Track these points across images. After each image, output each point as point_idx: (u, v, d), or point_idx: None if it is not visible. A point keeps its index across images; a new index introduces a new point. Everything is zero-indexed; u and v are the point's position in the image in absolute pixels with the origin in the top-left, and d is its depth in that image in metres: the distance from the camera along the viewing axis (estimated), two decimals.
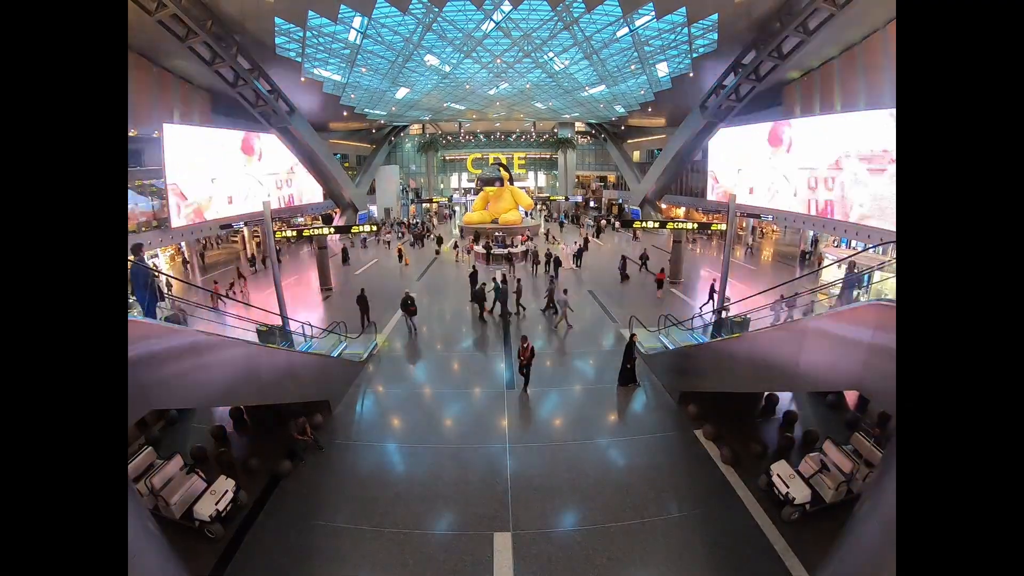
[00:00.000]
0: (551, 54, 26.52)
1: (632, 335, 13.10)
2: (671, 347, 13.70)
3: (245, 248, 33.12)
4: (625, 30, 22.79)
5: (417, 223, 46.52)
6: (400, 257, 28.23)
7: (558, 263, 24.33)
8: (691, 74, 26.82)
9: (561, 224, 37.57)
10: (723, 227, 18.23)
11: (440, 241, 33.76)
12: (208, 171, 26.14)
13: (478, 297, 18.61)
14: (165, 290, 9.45)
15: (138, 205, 24.03)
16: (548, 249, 27.69)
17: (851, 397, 11.96)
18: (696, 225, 23.31)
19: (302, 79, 25.78)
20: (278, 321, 12.87)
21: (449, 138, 57.64)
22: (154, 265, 25.55)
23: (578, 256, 27.41)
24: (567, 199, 53.81)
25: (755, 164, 29.92)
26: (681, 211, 43.05)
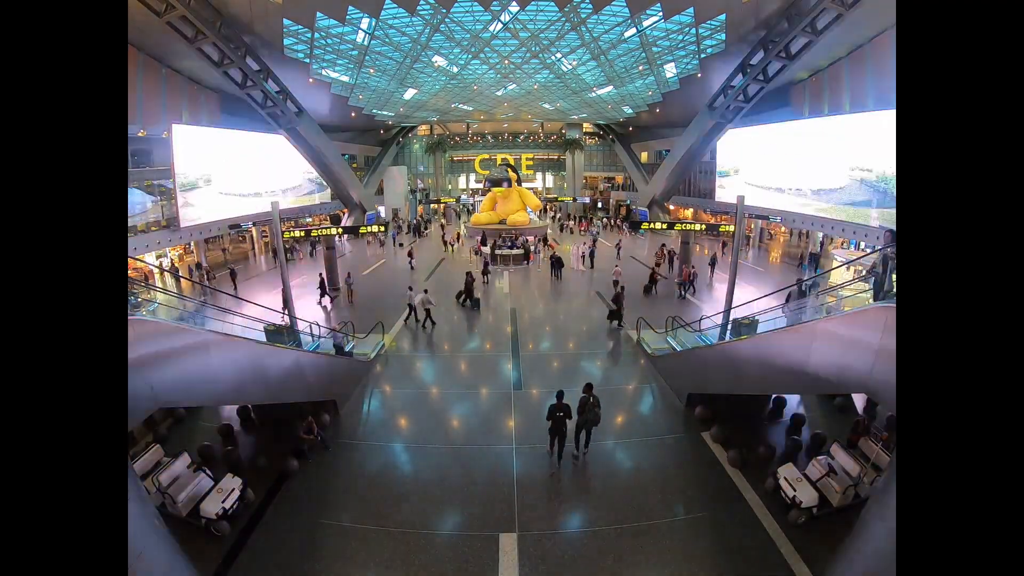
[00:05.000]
0: (559, 55, 26.50)
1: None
2: (679, 349, 13.65)
3: (254, 248, 33.36)
4: (633, 31, 22.74)
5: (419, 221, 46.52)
6: (411, 255, 28.41)
7: (560, 264, 24.43)
8: (699, 75, 26.72)
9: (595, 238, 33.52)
10: (731, 228, 18.17)
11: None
12: None
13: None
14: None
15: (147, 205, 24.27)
16: (553, 251, 27.76)
17: (859, 400, 11.86)
18: (704, 226, 23.20)
19: (310, 80, 25.92)
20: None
21: (457, 139, 57.79)
22: (160, 265, 25.82)
23: (589, 257, 27.30)
24: (575, 200, 53.76)
25: None
26: (689, 212, 42.88)
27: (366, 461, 9.94)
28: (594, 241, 29.57)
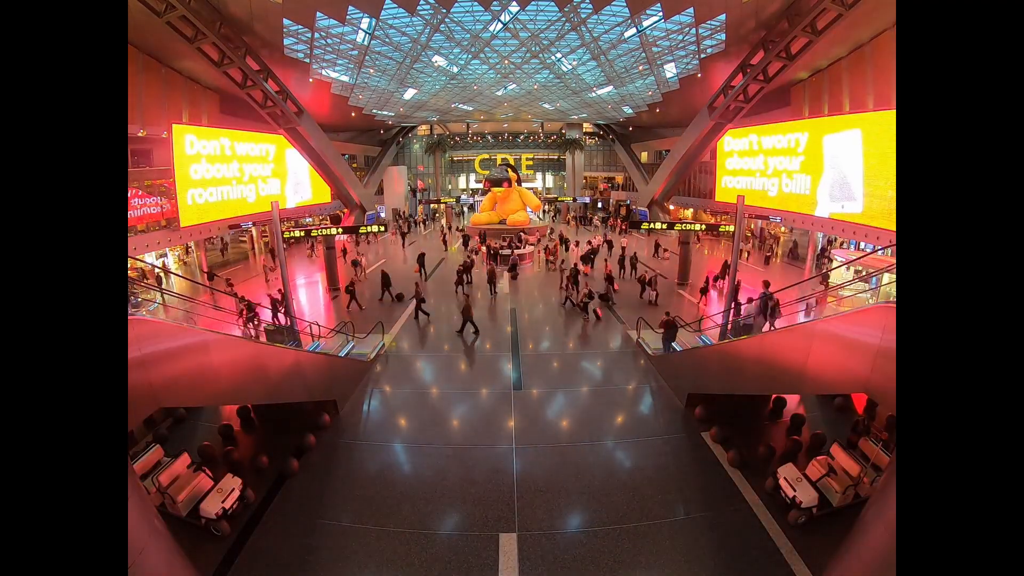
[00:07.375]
0: (559, 55, 26.49)
1: None
2: (678, 349, 13.65)
3: (254, 248, 33.34)
4: (633, 31, 22.72)
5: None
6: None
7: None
8: (699, 75, 26.68)
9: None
10: (731, 228, 18.17)
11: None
12: None
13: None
14: None
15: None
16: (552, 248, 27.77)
17: (859, 400, 11.86)
18: (704, 226, 23.20)
19: (310, 80, 25.91)
20: None
21: (457, 139, 57.75)
22: (163, 264, 25.82)
23: (590, 258, 27.20)
24: (575, 200, 53.69)
25: None
26: (689, 212, 42.84)
27: (366, 461, 9.94)
28: (591, 243, 29.53)
